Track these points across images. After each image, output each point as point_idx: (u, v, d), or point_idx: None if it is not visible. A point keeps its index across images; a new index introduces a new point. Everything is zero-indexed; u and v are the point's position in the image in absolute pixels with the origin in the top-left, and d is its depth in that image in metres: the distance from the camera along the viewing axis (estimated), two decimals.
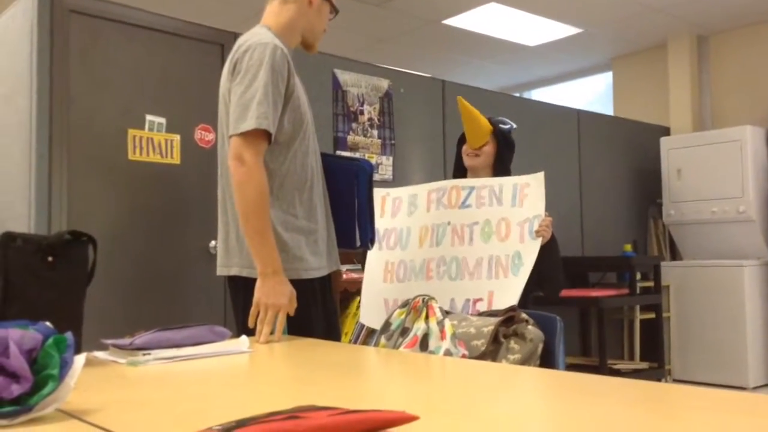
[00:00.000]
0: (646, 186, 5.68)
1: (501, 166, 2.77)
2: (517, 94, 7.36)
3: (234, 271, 1.98)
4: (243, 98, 1.84)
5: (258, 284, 1.85)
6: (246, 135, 1.83)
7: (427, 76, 5.50)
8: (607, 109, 6.65)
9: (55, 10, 2.77)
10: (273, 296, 1.83)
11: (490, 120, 2.77)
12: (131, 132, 2.98)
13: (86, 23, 2.87)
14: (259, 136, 1.84)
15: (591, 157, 5.33)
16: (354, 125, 3.98)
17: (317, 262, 2.01)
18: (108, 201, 2.90)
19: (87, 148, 2.86)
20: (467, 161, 2.76)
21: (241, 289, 1.96)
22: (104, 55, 2.93)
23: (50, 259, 1.45)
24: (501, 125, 2.79)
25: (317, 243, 2.01)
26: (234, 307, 2.04)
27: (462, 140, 2.81)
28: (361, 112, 4.02)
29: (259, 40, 1.91)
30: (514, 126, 2.86)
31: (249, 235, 1.86)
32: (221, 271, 2.03)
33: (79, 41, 2.85)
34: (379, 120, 4.09)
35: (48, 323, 1.01)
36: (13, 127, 2.88)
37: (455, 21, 5.61)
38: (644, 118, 5.94)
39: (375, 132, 4.07)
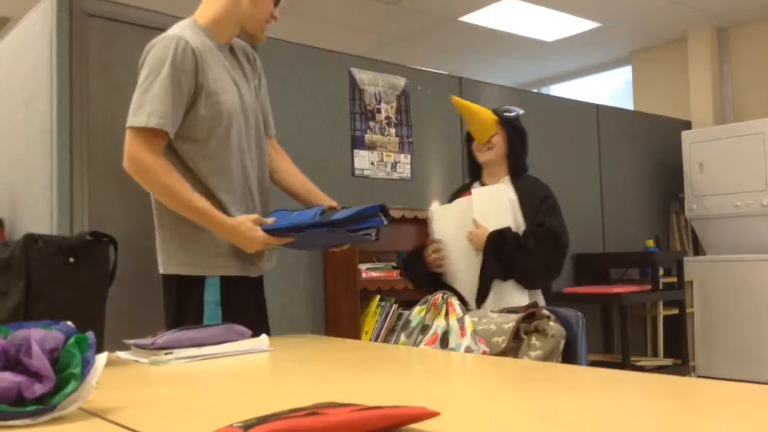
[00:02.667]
0: (668, 180, 5.62)
1: (514, 156, 2.68)
2: (535, 90, 7.32)
3: (163, 270, 1.98)
4: (140, 92, 1.84)
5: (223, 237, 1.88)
6: (139, 131, 1.81)
7: (444, 74, 5.48)
8: (627, 103, 6.59)
9: (74, 14, 2.80)
10: (248, 242, 1.87)
11: (494, 111, 2.69)
12: None
13: (104, 26, 2.89)
14: (153, 133, 1.82)
15: (611, 152, 5.28)
16: (371, 124, 3.97)
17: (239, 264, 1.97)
18: (128, 202, 2.92)
19: (106, 150, 2.88)
20: (480, 157, 2.69)
21: (168, 284, 1.97)
22: (122, 57, 2.95)
23: (71, 259, 1.46)
24: (506, 113, 2.70)
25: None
26: (166, 304, 2.01)
27: (470, 138, 2.75)
28: (378, 111, 4.01)
29: (166, 34, 1.88)
30: (521, 111, 2.75)
31: (187, 213, 1.87)
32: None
33: (98, 44, 2.87)
34: (396, 118, 4.09)
35: (70, 323, 1.02)
36: (34, 130, 2.91)
37: (471, 18, 5.59)
38: (665, 112, 5.88)
39: (392, 130, 4.06)
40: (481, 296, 2.47)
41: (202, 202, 1.85)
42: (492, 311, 2.10)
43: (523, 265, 2.47)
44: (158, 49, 1.84)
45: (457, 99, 2.73)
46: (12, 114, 3.14)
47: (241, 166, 1.97)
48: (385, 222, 1.86)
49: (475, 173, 2.76)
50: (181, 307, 1.92)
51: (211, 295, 1.90)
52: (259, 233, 1.87)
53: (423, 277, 2.67)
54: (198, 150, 1.90)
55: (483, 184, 2.71)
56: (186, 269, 1.92)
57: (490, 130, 2.65)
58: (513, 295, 2.47)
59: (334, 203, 2.05)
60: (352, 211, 1.86)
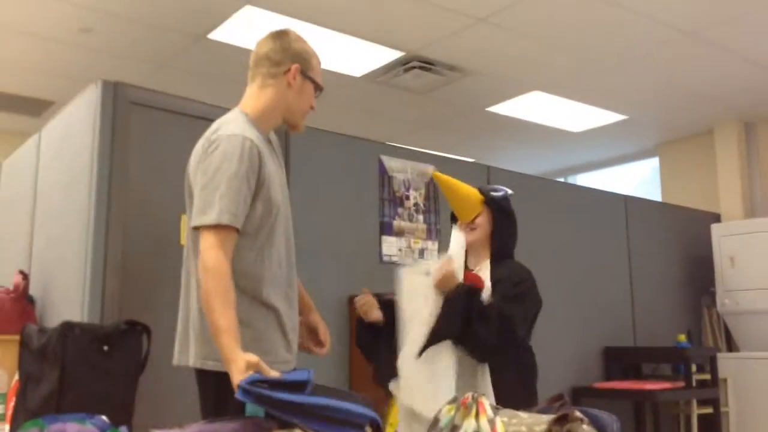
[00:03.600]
0: (699, 274, 5.53)
1: (499, 237, 2.53)
2: (561, 179, 7.36)
3: (198, 364, 1.89)
4: (207, 190, 1.84)
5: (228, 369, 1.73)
6: (211, 229, 1.81)
7: (472, 161, 5.55)
8: (653, 193, 6.59)
9: (118, 102, 2.90)
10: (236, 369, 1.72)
11: (480, 189, 2.57)
12: (184, 218, 3.04)
13: (146, 114, 2.98)
14: (226, 231, 1.82)
15: (640, 243, 5.24)
16: (400, 210, 4.00)
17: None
18: (160, 285, 2.94)
19: (141, 234, 2.92)
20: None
21: (212, 381, 1.87)
22: (162, 144, 3.03)
23: (106, 348, 1.47)
24: (492, 192, 2.56)
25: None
26: (203, 399, 1.93)
27: (454, 217, 2.61)
28: (407, 197, 4.05)
29: (231, 131, 1.90)
30: (509, 192, 2.61)
31: (213, 329, 1.79)
32: (180, 359, 1.93)
33: (139, 131, 2.96)
34: (424, 205, 4.11)
35: (104, 417, 1.02)
36: (72, 213, 2.97)
37: (499, 108, 5.70)
38: (693, 203, 5.86)
39: (420, 217, 4.08)
40: (426, 346, 2.28)
41: (234, 322, 1.80)
42: (521, 411, 2.04)
43: (480, 334, 2.29)
44: (225, 148, 1.86)
45: (438, 175, 2.61)
46: (53, 194, 3.22)
47: (286, 255, 2.00)
48: None
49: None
50: (220, 402, 1.84)
51: None
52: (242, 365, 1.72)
53: (360, 336, 2.52)
54: (247, 242, 1.91)
55: (467, 267, 2.53)
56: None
57: (473, 210, 2.51)
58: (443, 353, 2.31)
59: (321, 326, 2.11)
60: (340, 405, 1.62)
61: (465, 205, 2.53)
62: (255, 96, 2.04)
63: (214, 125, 1.98)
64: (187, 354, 1.93)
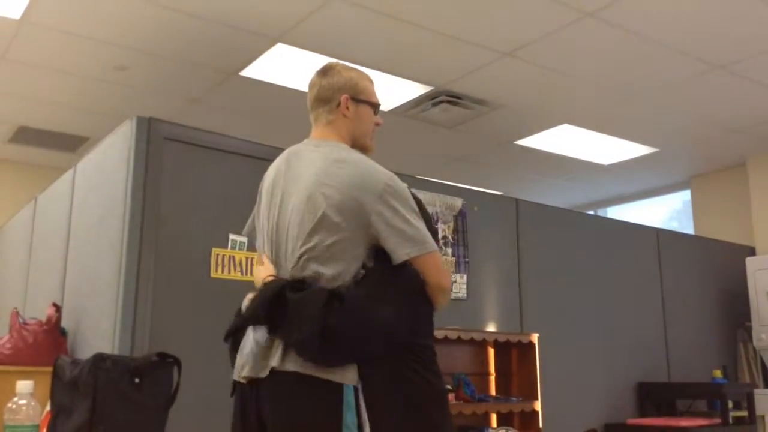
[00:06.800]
0: (733, 308, 5.42)
1: None
2: (592, 212, 7.30)
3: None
4: (417, 226, 1.87)
5: None
6: (436, 256, 1.88)
7: (500, 194, 5.54)
8: (685, 226, 6.50)
9: (152, 138, 2.96)
10: None
11: None
12: (215, 251, 3.08)
13: (179, 149, 3.04)
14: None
15: (673, 277, 5.16)
16: None
17: None
18: (190, 318, 2.96)
19: (173, 267, 2.95)
20: None
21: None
22: (194, 178, 3.08)
23: (137, 380, 1.48)
24: None
25: None
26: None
27: None
28: (436, 231, 4.05)
29: (384, 169, 1.94)
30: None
31: None
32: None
33: (172, 166, 3.01)
34: (453, 238, 4.11)
35: None
36: (105, 246, 3.01)
37: (528, 141, 5.70)
38: (726, 236, 5.76)
39: (449, 250, 4.07)
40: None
41: None
42: None
43: None
44: (402, 187, 1.92)
45: None
46: (87, 227, 3.28)
47: None
48: None
49: None
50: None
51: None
52: None
53: None
54: None
55: None
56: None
57: None
58: None
59: None
60: None
61: None
62: (336, 128, 2.06)
63: (361, 161, 1.96)
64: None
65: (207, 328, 2.97)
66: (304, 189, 1.87)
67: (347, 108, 2.04)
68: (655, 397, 4.77)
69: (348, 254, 1.80)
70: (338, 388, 1.67)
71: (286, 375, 1.67)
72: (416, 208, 1.91)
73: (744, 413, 4.73)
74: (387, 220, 1.83)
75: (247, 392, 1.75)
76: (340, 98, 2.04)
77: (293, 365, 1.67)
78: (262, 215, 2.02)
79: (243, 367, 1.78)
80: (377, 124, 2.13)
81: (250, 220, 2.11)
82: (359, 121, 2.08)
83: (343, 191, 1.82)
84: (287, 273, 1.82)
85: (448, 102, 4.89)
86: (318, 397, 1.67)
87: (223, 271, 3.08)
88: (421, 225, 1.88)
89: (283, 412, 1.68)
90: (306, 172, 1.92)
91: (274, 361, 1.69)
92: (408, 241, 1.83)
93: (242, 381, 1.76)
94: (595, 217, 6.36)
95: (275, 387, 1.69)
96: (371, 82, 2.14)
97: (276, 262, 1.89)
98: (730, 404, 4.62)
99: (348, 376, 1.70)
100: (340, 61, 2.16)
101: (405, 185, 1.94)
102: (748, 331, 5.30)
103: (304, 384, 1.67)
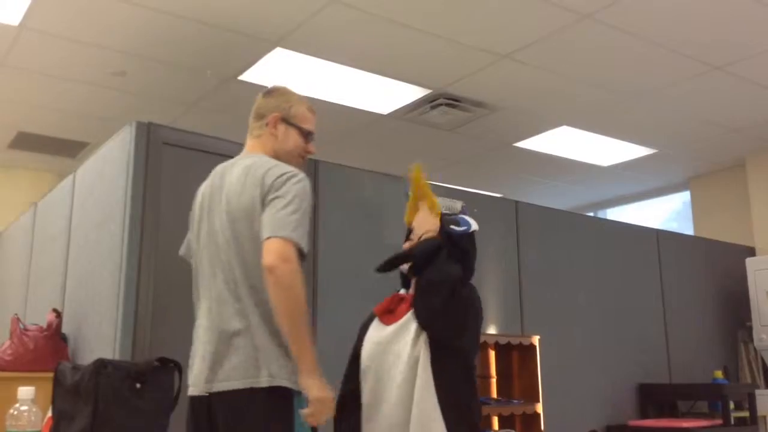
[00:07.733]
0: (734, 308, 5.42)
1: None
2: (592, 213, 7.30)
3: (280, 382, 1.87)
4: (290, 210, 1.92)
5: (309, 383, 1.82)
6: (290, 244, 1.89)
7: (500, 197, 5.54)
8: (684, 226, 6.50)
9: (151, 142, 2.96)
10: (325, 391, 1.83)
11: (442, 216, 2.18)
12: None
13: (179, 154, 3.04)
14: (299, 253, 1.91)
15: (673, 278, 5.16)
16: None
17: None
18: (191, 323, 2.95)
19: (173, 273, 2.94)
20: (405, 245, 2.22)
21: (282, 400, 1.86)
22: (194, 183, 3.05)
23: (138, 385, 1.48)
24: (452, 225, 2.16)
25: None
26: (274, 421, 1.85)
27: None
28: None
29: (291, 169, 2.04)
30: (474, 227, 2.21)
31: (298, 337, 1.85)
32: (249, 382, 1.85)
33: (171, 171, 3.01)
34: None
35: None
36: (105, 251, 3.01)
37: (526, 144, 5.70)
38: (726, 237, 5.76)
39: None
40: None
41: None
42: None
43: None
44: (304, 184, 2.00)
45: (418, 177, 2.26)
46: (87, 233, 3.28)
47: None
48: None
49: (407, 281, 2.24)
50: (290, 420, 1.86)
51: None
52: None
53: None
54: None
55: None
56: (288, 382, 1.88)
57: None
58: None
59: None
60: None
61: (413, 211, 2.26)
62: (262, 142, 2.22)
63: (264, 160, 2.09)
64: (266, 376, 1.87)
65: None
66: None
67: (275, 127, 2.19)
68: (657, 398, 4.77)
69: None
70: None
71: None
72: (306, 204, 1.98)
73: (745, 414, 4.73)
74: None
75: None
76: (270, 117, 2.19)
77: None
78: None
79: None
80: (308, 152, 2.25)
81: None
82: (284, 142, 2.21)
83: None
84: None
85: (447, 105, 4.89)
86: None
87: None
88: (300, 215, 1.93)
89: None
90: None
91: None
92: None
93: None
94: (595, 218, 6.36)
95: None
96: (312, 111, 2.28)
97: None
98: (732, 405, 4.62)
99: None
100: (291, 89, 2.30)
101: (304, 181, 1.98)
102: (749, 331, 5.30)
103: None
